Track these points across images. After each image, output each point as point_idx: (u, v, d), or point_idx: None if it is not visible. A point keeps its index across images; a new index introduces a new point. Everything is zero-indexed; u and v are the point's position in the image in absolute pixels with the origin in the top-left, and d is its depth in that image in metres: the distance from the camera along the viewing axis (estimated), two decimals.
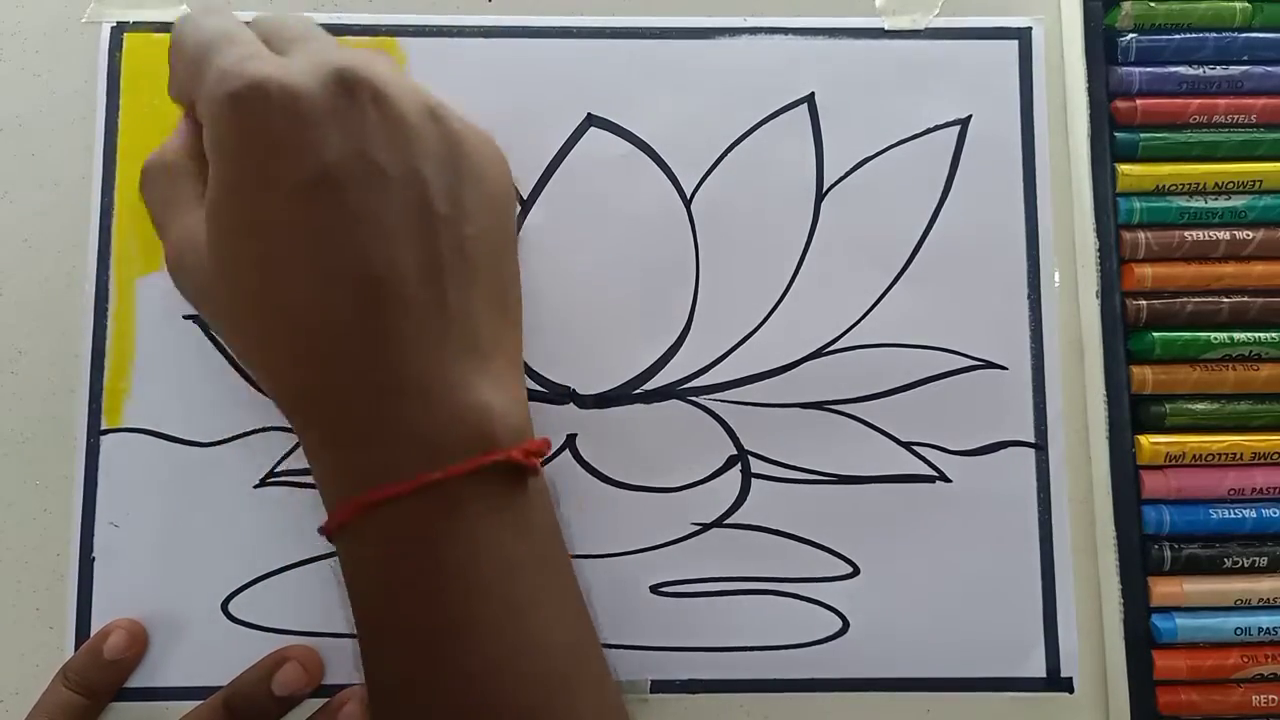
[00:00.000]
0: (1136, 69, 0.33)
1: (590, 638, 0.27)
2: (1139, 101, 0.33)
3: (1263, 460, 0.32)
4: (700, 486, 0.31)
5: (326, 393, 0.25)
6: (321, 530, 0.26)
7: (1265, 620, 0.31)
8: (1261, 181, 0.33)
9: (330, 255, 0.25)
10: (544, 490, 0.27)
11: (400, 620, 0.25)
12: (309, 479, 0.31)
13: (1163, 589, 0.31)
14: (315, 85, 0.25)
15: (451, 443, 0.25)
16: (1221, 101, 0.33)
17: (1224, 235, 0.32)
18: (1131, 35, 0.33)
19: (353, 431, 0.25)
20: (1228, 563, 0.31)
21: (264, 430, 0.31)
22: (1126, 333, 0.32)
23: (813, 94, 0.33)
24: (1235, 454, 0.31)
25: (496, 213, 0.28)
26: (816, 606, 0.31)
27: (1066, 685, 0.31)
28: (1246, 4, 0.33)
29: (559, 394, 0.31)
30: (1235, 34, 0.33)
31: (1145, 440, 0.32)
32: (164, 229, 0.28)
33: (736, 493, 0.31)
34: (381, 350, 0.25)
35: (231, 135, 0.25)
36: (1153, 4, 0.34)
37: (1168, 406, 0.32)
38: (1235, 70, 0.33)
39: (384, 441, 0.25)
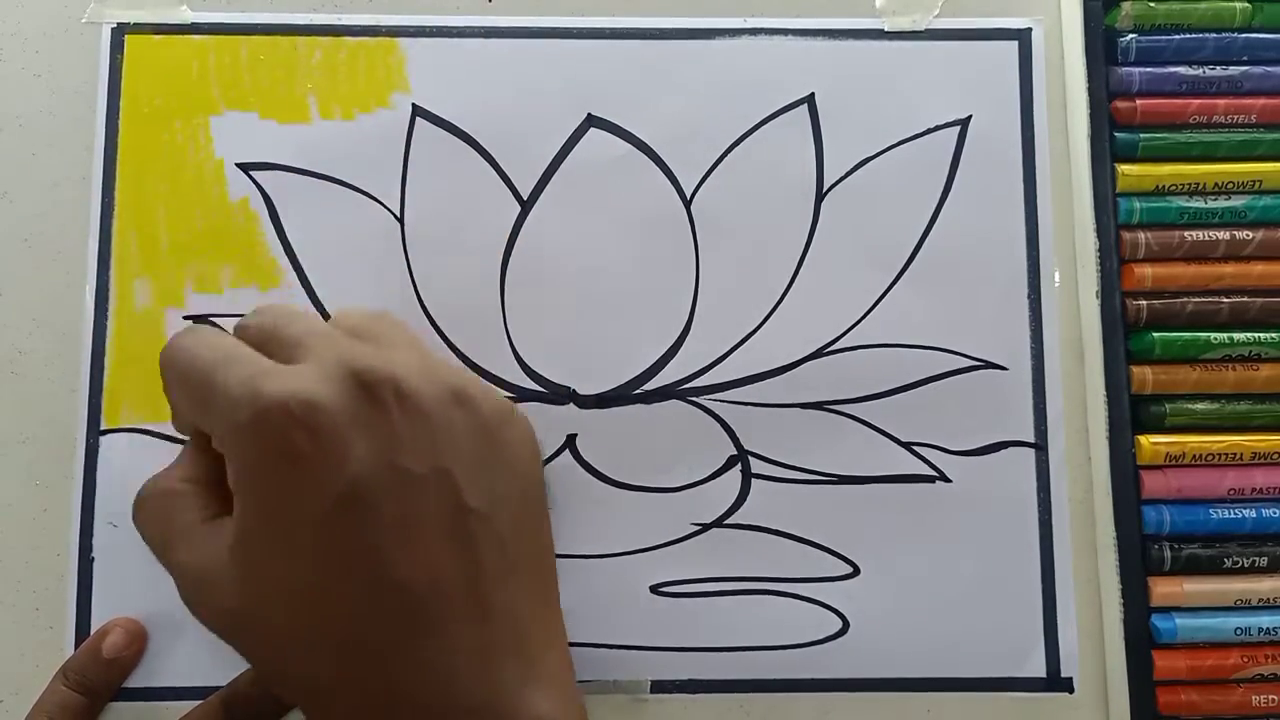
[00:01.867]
0: (1136, 69, 0.33)
1: None
2: (1139, 101, 0.33)
3: (1263, 460, 0.32)
4: (700, 486, 0.31)
5: (369, 718, 0.24)
6: None
7: (1265, 620, 0.31)
8: (1261, 181, 0.33)
9: (367, 574, 0.23)
10: None
11: None
12: None
13: (1163, 589, 0.31)
14: (335, 394, 0.23)
15: None
16: (1221, 101, 0.33)
17: (1224, 235, 0.32)
18: (1131, 35, 0.33)
19: None
20: (1228, 563, 0.31)
21: None
22: (1126, 333, 0.32)
23: (813, 94, 0.33)
24: (1235, 454, 0.31)
25: (529, 495, 0.26)
26: (816, 606, 0.31)
27: (1066, 685, 0.31)
28: (1246, 4, 0.33)
29: (559, 394, 0.31)
30: (1235, 34, 0.33)
31: (1145, 440, 0.32)
32: (171, 560, 0.26)
33: (736, 493, 0.31)
34: (426, 673, 0.23)
35: (255, 462, 0.23)
36: (1153, 4, 0.34)
37: (1168, 406, 0.32)
38: (1235, 70, 0.33)
39: None
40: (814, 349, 0.32)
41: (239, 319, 0.27)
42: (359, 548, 0.23)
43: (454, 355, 0.31)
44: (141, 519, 0.27)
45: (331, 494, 0.23)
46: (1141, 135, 0.33)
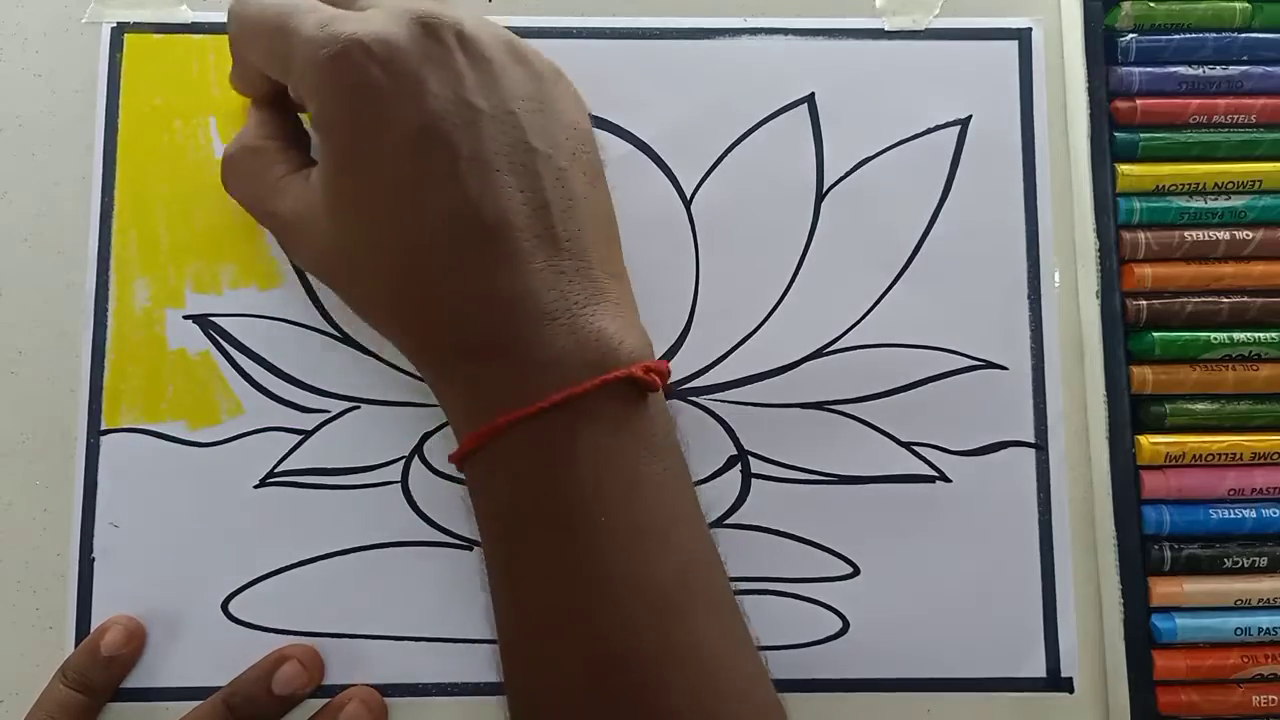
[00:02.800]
0: (1136, 69, 0.33)
1: (708, 560, 0.27)
2: (1139, 101, 0.33)
3: (1263, 460, 0.32)
4: (700, 486, 0.31)
5: (452, 329, 0.26)
6: (451, 459, 0.27)
7: (1265, 620, 0.31)
8: (1261, 181, 0.33)
9: (444, 201, 0.25)
10: (665, 411, 0.27)
11: (526, 543, 0.26)
12: (309, 479, 0.31)
13: (1163, 589, 0.31)
14: (404, 34, 0.26)
15: (573, 364, 0.25)
16: (1221, 101, 0.33)
17: (1224, 235, 0.32)
18: (1131, 35, 0.33)
19: (477, 363, 0.26)
20: (1228, 563, 0.31)
21: (264, 430, 0.31)
22: (1126, 333, 0.32)
23: (813, 94, 0.33)
24: (1235, 454, 0.31)
25: (582, 144, 0.28)
26: (816, 606, 0.31)
27: (1066, 685, 0.31)
28: (1246, 4, 0.33)
29: None
30: (1235, 34, 0.33)
31: (1145, 440, 0.32)
32: (268, 211, 0.29)
33: (736, 493, 0.31)
34: (503, 281, 0.25)
35: (338, 97, 0.26)
36: (1153, 4, 0.34)
37: (1168, 407, 0.32)
38: (1235, 70, 0.33)
39: (508, 367, 0.25)
40: (814, 349, 0.32)
41: None
42: (436, 177, 0.25)
43: None
44: (233, 178, 0.30)
45: (410, 126, 0.25)
46: (1141, 135, 0.33)
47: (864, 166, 0.33)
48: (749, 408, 0.31)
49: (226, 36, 0.29)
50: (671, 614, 0.25)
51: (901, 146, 0.33)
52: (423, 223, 0.26)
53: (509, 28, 0.33)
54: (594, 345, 0.25)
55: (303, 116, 0.31)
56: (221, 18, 0.33)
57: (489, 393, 0.26)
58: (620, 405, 0.26)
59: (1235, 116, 0.33)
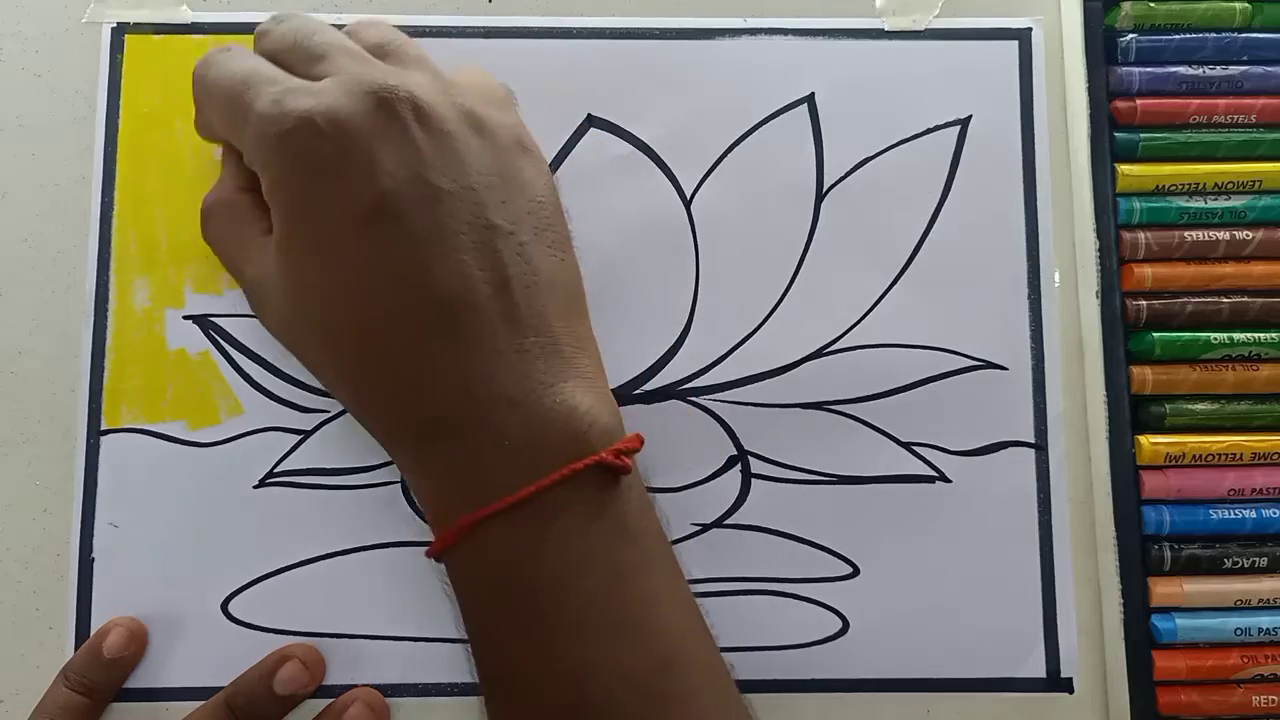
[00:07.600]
0: (1136, 69, 0.33)
1: (694, 638, 0.26)
2: (1139, 101, 0.33)
3: (1263, 460, 0.32)
4: (700, 486, 0.31)
5: (415, 409, 0.25)
6: (428, 554, 0.26)
7: (1265, 621, 0.31)
8: (1261, 181, 0.33)
9: (400, 278, 0.25)
10: (640, 489, 0.26)
11: (505, 642, 0.25)
12: (309, 479, 0.31)
13: (1163, 589, 0.31)
14: (358, 110, 0.25)
15: (541, 451, 0.24)
16: (1221, 101, 0.33)
17: (1224, 235, 0.32)
18: (1131, 35, 0.33)
19: (445, 450, 0.25)
20: (1228, 563, 0.31)
21: (264, 430, 0.31)
22: (1126, 333, 0.32)
23: (813, 94, 0.33)
24: (1235, 454, 0.31)
25: (547, 215, 0.28)
26: (816, 606, 0.31)
27: (1066, 685, 0.31)
28: (1246, 4, 0.33)
29: None
30: (1235, 34, 0.33)
31: (1145, 440, 0.32)
32: (238, 271, 0.28)
33: (736, 493, 0.31)
34: (464, 362, 0.25)
35: (288, 175, 0.25)
36: (1153, 4, 0.34)
37: (1168, 407, 0.32)
38: (1235, 70, 0.33)
39: (474, 455, 0.25)
40: (814, 349, 0.32)
41: (261, 24, 0.28)
42: (390, 256, 0.25)
43: None
44: (212, 233, 0.29)
45: (362, 204, 0.25)
46: (1141, 135, 0.33)
47: (864, 166, 0.33)
48: (749, 408, 0.31)
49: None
50: (656, 704, 0.24)
51: (901, 146, 0.33)
52: (378, 303, 0.25)
53: (509, 28, 0.33)
54: (562, 428, 0.25)
55: None
56: (222, 18, 0.33)
57: (457, 484, 0.25)
58: (592, 492, 0.25)
59: (1235, 116, 0.33)
